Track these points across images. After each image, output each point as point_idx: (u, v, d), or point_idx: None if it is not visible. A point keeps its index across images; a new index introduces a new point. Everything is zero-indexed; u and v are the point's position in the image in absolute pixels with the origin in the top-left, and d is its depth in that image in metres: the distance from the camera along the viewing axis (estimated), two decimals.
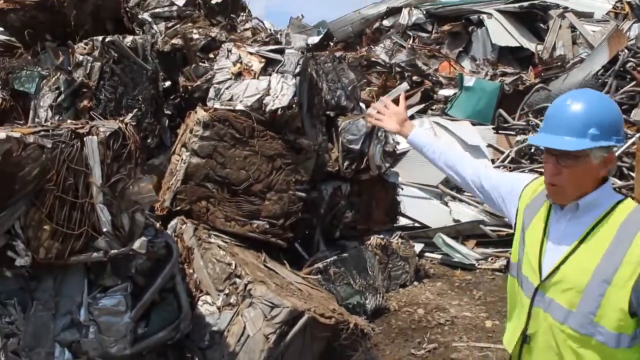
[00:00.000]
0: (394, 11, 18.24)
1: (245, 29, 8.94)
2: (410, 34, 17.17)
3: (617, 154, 7.67)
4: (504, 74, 14.09)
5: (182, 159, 5.41)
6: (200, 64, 7.08)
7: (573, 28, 15.30)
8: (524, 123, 11.40)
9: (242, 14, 9.64)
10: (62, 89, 5.90)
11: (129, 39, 6.26)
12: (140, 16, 7.93)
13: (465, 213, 8.48)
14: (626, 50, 12.09)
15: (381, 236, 6.80)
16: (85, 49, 6.03)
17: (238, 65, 5.74)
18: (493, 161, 10.37)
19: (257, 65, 5.73)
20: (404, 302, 6.57)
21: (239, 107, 5.50)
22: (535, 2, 16.22)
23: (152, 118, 6.33)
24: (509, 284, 2.46)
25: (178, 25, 7.87)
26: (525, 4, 16.18)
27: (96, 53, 6.00)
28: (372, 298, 6.24)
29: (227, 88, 5.66)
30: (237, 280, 4.64)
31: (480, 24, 16.22)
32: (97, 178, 3.65)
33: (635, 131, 9.89)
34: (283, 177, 5.51)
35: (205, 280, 4.79)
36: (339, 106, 6.72)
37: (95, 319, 3.74)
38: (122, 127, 3.83)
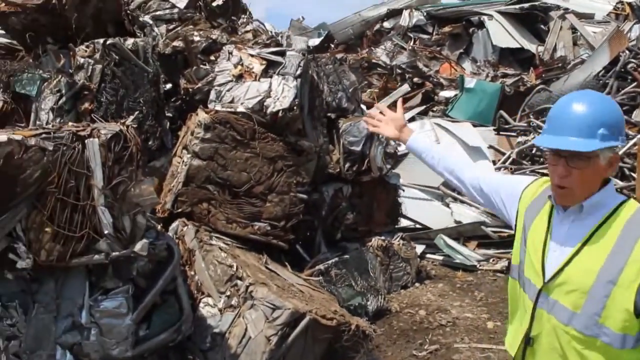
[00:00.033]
0: (395, 13, 18.24)
1: (246, 31, 8.95)
2: (411, 35, 17.15)
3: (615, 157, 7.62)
4: (505, 75, 14.07)
5: (183, 161, 5.41)
6: (201, 66, 7.08)
7: (574, 29, 15.29)
8: (525, 124, 11.39)
9: (242, 16, 9.65)
10: (63, 91, 5.90)
11: (130, 41, 6.27)
12: (141, 19, 7.94)
13: (467, 214, 8.48)
14: (627, 51, 12.09)
15: (382, 237, 6.80)
16: (86, 51, 6.03)
17: (239, 67, 5.74)
18: (494, 162, 10.36)
19: (258, 67, 5.73)
20: (405, 303, 6.57)
21: (240, 109, 5.50)
22: (536, 3, 16.21)
23: (153, 120, 6.33)
24: (510, 286, 2.45)
25: (179, 28, 7.87)
26: (526, 5, 16.17)
27: (97, 56, 6.01)
28: (374, 299, 6.24)
29: (228, 90, 5.66)
30: (239, 282, 4.64)
31: (481, 25, 16.21)
32: (98, 180, 3.65)
33: (636, 132, 9.90)
34: (284, 179, 5.52)
35: (207, 282, 4.79)
36: (340, 108, 6.73)
37: (97, 321, 3.74)
38: (123, 129, 3.83)
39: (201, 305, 4.69)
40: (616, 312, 2.01)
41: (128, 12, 7.58)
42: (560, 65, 13.80)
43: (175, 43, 7.24)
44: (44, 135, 3.53)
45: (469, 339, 5.81)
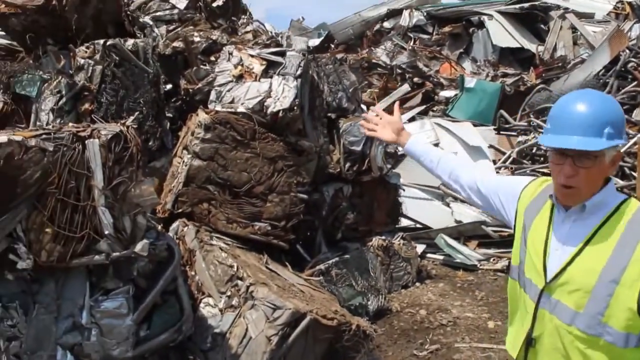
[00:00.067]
0: (395, 13, 18.23)
1: (246, 32, 8.95)
2: (411, 35, 17.15)
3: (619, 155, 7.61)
4: (505, 75, 14.07)
5: (183, 162, 5.42)
6: (202, 66, 7.08)
7: (574, 29, 15.29)
8: (526, 124, 11.39)
9: (243, 16, 9.65)
10: (63, 92, 5.90)
11: (130, 42, 6.26)
12: (141, 19, 7.94)
13: (467, 214, 8.48)
14: (627, 51, 12.08)
15: (383, 237, 6.80)
16: (86, 52, 6.03)
17: (239, 67, 5.75)
18: (494, 162, 10.36)
19: (258, 67, 5.73)
20: (406, 303, 6.57)
21: (240, 109, 5.50)
22: (536, 3, 16.20)
23: (153, 121, 6.33)
24: (510, 287, 2.45)
25: (179, 28, 7.87)
26: (526, 5, 16.16)
27: (97, 56, 6.01)
28: (374, 299, 6.24)
29: (228, 90, 5.66)
30: (239, 282, 4.65)
31: (480, 25, 16.21)
32: (98, 181, 3.66)
33: (636, 131, 9.90)
34: (284, 179, 5.52)
35: (207, 282, 4.79)
36: (340, 108, 6.73)
37: (97, 321, 3.74)
38: (123, 130, 3.84)
39: (202, 305, 4.69)
40: (619, 311, 2.01)
41: (128, 13, 7.58)
42: (560, 64, 13.80)
43: (176, 44, 7.24)
44: (44, 136, 3.53)
45: (470, 338, 5.81)
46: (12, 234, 3.45)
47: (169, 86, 7.17)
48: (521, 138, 10.97)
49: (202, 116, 5.40)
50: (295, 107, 5.54)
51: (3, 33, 7.33)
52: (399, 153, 7.35)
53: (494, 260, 7.94)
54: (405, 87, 13.63)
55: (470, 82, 12.71)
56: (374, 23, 18.42)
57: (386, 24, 18.23)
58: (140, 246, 3.80)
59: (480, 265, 7.79)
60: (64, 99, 5.89)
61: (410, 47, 15.91)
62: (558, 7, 16.43)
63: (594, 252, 2.08)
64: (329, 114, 6.59)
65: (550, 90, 12.03)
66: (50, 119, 5.85)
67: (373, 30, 18.24)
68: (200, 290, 4.78)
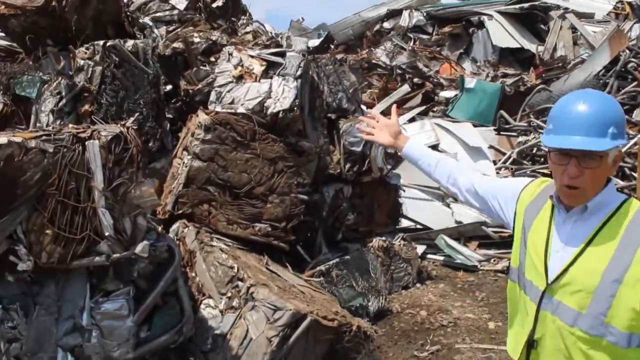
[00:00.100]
0: (394, 13, 18.23)
1: (246, 32, 8.96)
2: (411, 36, 17.15)
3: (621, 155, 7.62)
4: (505, 75, 14.06)
5: (183, 163, 5.41)
6: (202, 67, 7.09)
7: (574, 29, 15.28)
8: (526, 124, 11.39)
9: (242, 17, 9.66)
10: (63, 93, 5.90)
11: (130, 43, 6.26)
12: (141, 20, 7.94)
13: (467, 214, 8.48)
14: (627, 51, 12.08)
15: (383, 238, 6.80)
16: (86, 53, 6.03)
17: (239, 68, 5.74)
18: (495, 162, 10.36)
19: (258, 68, 5.73)
20: (406, 304, 6.57)
21: (241, 110, 5.50)
22: (536, 3, 16.19)
23: (153, 122, 6.32)
24: (510, 289, 2.44)
25: (179, 29, 7.88)
26: (526, 5, 16.16)
27: (97, 57, 6.00)
28: (375, 300, 6.23)
29: (228, 91, 5.66)
30: (240, 283, 4.64)
31: (480, 25, 16.20)
32: (99, 182, 3.65)
33: (637, 131, 9.91)
34: (285, 179, 5.51)
35: (208, 283, 4.79)
36: (340, 108, 6.73)
37: (98, 323, 3.74)
38: (123, 131, 3.84)
39: (202, 306, 4.69)
40: (622, 311, 2.01)
41: (128, 13, 7.58)
42: (560, 65, 13.79)
43: (175, 44, 7.24)
44: (44, 138, 3.53)
45: (470, 339, 5.80)
46: (12, 235, 3.45)
47: (169, 87, 7.18)
48: (521, 138, 10.98)
49: (202, 117, 5.40)
50: (295, 108, 5.54)
51: (3, 34, 7.32)
52: (399, 154, 7.35)
53: (494, 261, 7.93)
54: (405, 88, 13.63)
55: (470, 83, 12.71)
56: (373, 23, 18.42)
57: (386, 25, 18.23)
58: (140, 247, 3.80)
59: (481, 266, 7.79)
60: (64, 100, 5.88)
61: (410, 48, 15.90)
62: (558, 7, 16.43)
63: (596, 253, 2.08)
64: (329, 115, 6.59)
65: (551, 91, 12.03)
66: (50, 120, 5.84)
67: (373, 30, 18.23)
68: (201, 292, 4.78)
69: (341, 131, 6.43)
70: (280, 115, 5.49)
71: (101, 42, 6.06)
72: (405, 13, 17.80)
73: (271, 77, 5.66)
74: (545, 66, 13.96)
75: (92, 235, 3.64)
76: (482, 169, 9.74)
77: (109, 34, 6.75)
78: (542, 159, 10.11)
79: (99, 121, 4.72)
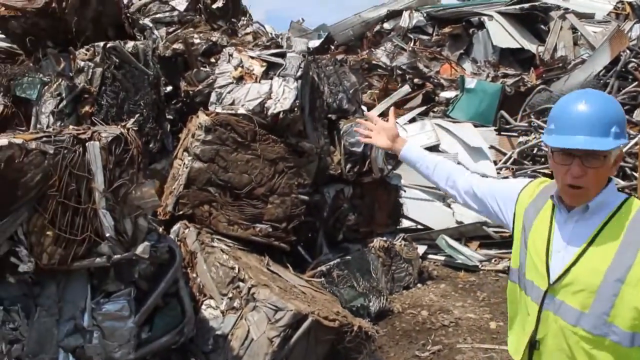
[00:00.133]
0: (395, 14, 18.23)
1: (246, 33, 8.97)
2: (411, 36, 17.15)
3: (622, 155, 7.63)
4: (505, 76, 14.06)
5: (184, 164, 5.41)
6: (202, 68, 7.09)
7: (574, 29, 15.28)
8: (526, 124, 11.39)
9: (243, 18, 9.67)
10: (63, 95, 5.90)
11: (130, 44, 6.26)
12: (141, 22, 7.95)
13: (468, 215, 8.47)
14: (628, 51, 12.08)
15: (384, 238, 6.80)
16: (86, 54, 6.03)
17: (239, 69, 5.75)
18: (495, 162, 10.37)
19: (258, 69, 5.74)
20: (407, 304, 6.56)
21: (241, 111, 5.50)
22: (536, 3, 16.19)
23: (153, 123, 6.32)
24: (510, 290, 2.44)
25: (179, 30, 7.89)
26: (526, 5, 16.15)
27: (97, 59, 6.00)
28: (376, 300, 6.23)
29: (228, 92, 5.67)
30: (241, 284, 4.64)
31: (481, 26, 16.20)
32: (99, 183, 3.65)
33: (637, 131, 9.90)
34: (285, 180, 5.52)
35: (209, 284, 4.79)
36: (341, 109, 6.73)
37: (99, 324, 3.74)
38: (124, 132, 3.83)
39: (203, 307, 4.69)
40: (625, 310, 2.00)
41: (128, 15, 7.59)
42: (560, 65, 13.79)
43: (176, 45, 7.25)
44: (44, 139, 3.53)
45: (472, 339, 5.80)
46: (13, 237, 3.45)
47: (169, 88, 7.18)
48: (522, 139, 10.98)
49: (202, 118, 5.40)
50: (295, 109, 5.54)
51: (3, 36, 7.32)
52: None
53: (495, 261, 7.93)
54: (406, 88, 13.62)
55: (470, 83, 12.71)
56: (374, 24, 18.42)
57: (386, 25, 18.23)
58: (141, 248, 3.80)
59: (482, 266, 7.78)
60: (64, 102, 5.88)
61: (410, 48, 15.90)
62: (558, 7, 16.43)
63: (598, 252, 2.07)
64: (330, 115, 6.59)
65: (551, 91, 12.03)
66: (51, 121, 5.84)
67: (373, 31, 18.23)
68: (202, 292, 4.78)
69: (342, 132, 6.44)
70: (281, 116, 5.49)
71: (101, 44, 6.06)
72: (406, 14, 17.80)
73: (271, 78, 5.66)
74: (546, 66, 13.96)
75: (92, 237, 3.64)
76: (483, 169, 9.74)
77: (109, 36, 6.75)
78: (543, 159, 10.11)
79: (99, 122, 4.71)
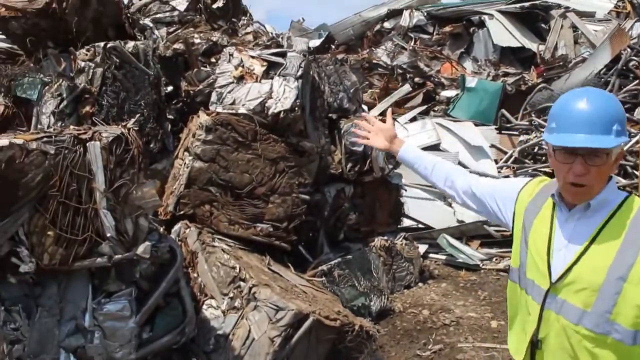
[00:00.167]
0: (395, 13, 18.23)
1: (247, 33, 8.98)
2: (412, 35, 17.14)
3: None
4: (506, 74, 14.06)
5: (185, 163, 5.42)
6: (202, 68, 7.10)
7: (575, 28, 15.26)
8: (527, 123, 11.38)
9: (243, 18, 9.68)
10: (64, 95, 5.90)
11: (130, 44, 6.27)
12: (141, 22, 7.96)
13: (469, 213, 8.45)
14: (628, 49, 12.07)
15: (385, 238, 6.79)
16: (87, 55, 6.03)
17: (240, 69, 5.75)
18: (496, 161, 10.36)
19: (258, 68, 5.74)
20: (408, 303, 6.56)
21: (242, 110, 5.50)
22: (537, 2, 16.18)
23: (154, 123, 6.33)
24: (510, 290, 2.43)
25: (179, 30, 7.89)
26: (527, 4, 16.15)
27: (98, 59, 6.01)
28: (377, 300, 6.23)
29: (229, 92, 5.67)
30: (242, 283, 4.64)
31: (481, 24, 16.19)
32: (100, 183, 3.65)
33: (638, 130, 9.88)
34: (286, 180, 5.51)
35: (210, 284, 4.79)
36: (341, 108, 6.73)
37: (100, 324, 3.74)
38: (124, 132, 3.83)
39: (204, 307, 4.69)
40: (627, 308, 2.00)
41: (128, 15, 7.59)
42: (561, 63, 13.78)
43: (176, 45, 7.25)
44: (45, 139, 3.52)
45: (473, 338, 5.80)
46: (14, 237, 3.45)
47: (169, 88, 7.19)
48: (523, 137, 10.97)
49: (203, 118, 5.40)
50: (296, 108, 5.54)
51: (3, 36, 7.33)
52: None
53: (496, 259, 7.93)
54: (406, 87, 13.63)
55: (471, 82, 12.71)
56: (374, 23, 18.41)
57: (386, 24, 18.22)
58: (142, 248, 3.80)
59: (483, 264, 7.78)
60: (64, 102, 5.89)
61: (410, 47, 15.91)
62: (559, 6, 16.41)
63: (600, 251, 2.07)
64: (330, 115, 6.59)
65: (552, 90, 12.02)
66: (51, 122, 5.85)
67: (373, 30, 18.23)
68: (203, 292, 4.78)
69: (342, 131, 6.43)
70: (282, 115, 5.49)
71: (102, 44, 6.06)
72: (406, 13, 17.79)
73: (272, 78, 5.66)
74: (546, 65, 13.95)
75: (93, 237, 3.64)
76: (484, 168, 9.74)
77: (110, 36, 6.76)
78: (544, 158, 10.10)
79: (100, 122, 4.72)
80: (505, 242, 8.01)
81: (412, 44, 16.52)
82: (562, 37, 15.12)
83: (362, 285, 6.14)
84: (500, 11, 16.14)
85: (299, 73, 5.66)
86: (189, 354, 4.42)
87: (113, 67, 6.04)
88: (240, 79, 5.70)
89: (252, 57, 5.87)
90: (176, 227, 5.27)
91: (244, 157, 5.39)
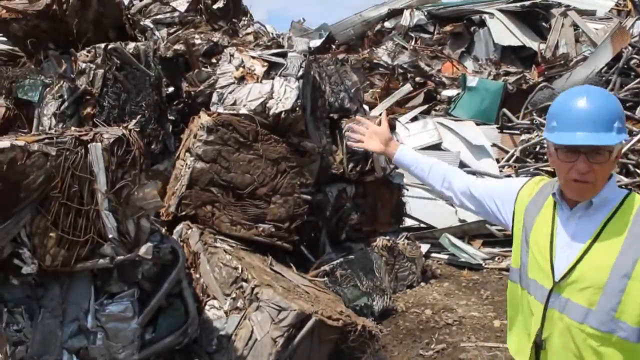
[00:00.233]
0: (395, 13, 18.24)
1: (247, 33, 8.98)
2: (412, 35, 17.16)
3: (622, 150, 7.64)
4: (507, 74, 14.06)
5: (186, 164, 5.41)
6: (203, 69, 7.10)
7: (575, 26, 15.26)
8: (528, 122, 11.39)
9: (243, 18, 9.68)
10: (65, 96, 5.91)
11: (131, 45, 6.27)
12: (142, 23, 7.96)
13: (471, 213, 8.45)
14: (630, 47, 12.06)
15: (387, 237, 6.79)
16: (87, 56, 6.04)
17: (241, 69, 5.75)
18: (498, 160, 10.36)
19: (259, 69, 5.73)
20: (411, 303, 6.56)
21: (243, 111, 5.50)
22: (537, 1, 16.18)
23: (155, 124, 6.33)
24: (510, 290, 2.43)
25: (180, 31, 7.90)
26: (527, 3, 16.16)
27: (99, 60, 6.01)
28: (380, 299, 6.23)
29: (230, 92, 5.66)
30: (244, 284, 4.64)
31: (482, 24, 16.20)
32: (101, 185, 3.65)
33: None
34: (288, 180, 5.51)
35: (212, 284, 4.78)
36: (343, 108, 6.73)
37: (103, 325, 3.74)
38: (126, 133, 3.83)
39: (207, 307, 4.68)
40: (632, 306, 2.00)
41: (129, 16, 7.59)
42: (562, 62, 13.78)
43: (177, 46, 7.26)
44: (46, 141, 3.53)
45: (476, 337, 5.79)
46: (16, 238, 3.45)
47: (170, 89, 7.19)
48: (524, 136, 10.96)
49: (204, 118, 5.40)
50: (297, 108, 5.53)
51: (4, 38, 7.34)
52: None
53: (498, 259, 7.93)
54: (407, 87, 13.63)
55: (472, 81, 12.71)
56: (374, 23, 18.43)
57: (387, 24, 18.24)
58: (144, 249, 3.80)
59: (485, 264, 7.78)
60: (66, 104, 5.89)
61: (411, 47, 15.92)
62: (559, 4, 16.42)
63: (603, 248, 2.07)
64: (331, 115, 6.59)
65: (553, 88, 12.02)
66: (53, 123, 5.85)
67: (374, 30, 18.25)
68: (205, 293, 4.78)
69: (343, 131, 6.43)
70: (283, 115, 5.49)
71: (102, 45, 6.07)
72: (407, 12, 17.81)
73: (273, 78, 5.66)
74: (548, 64, 13.95)
75: (95, 238, 3.64)
76: (485, 167, 9.74)
77: (110, 37, 6.76)
78: (545, 157, 10.07)
79: (101, 124, 4.72)
80: (508, 241, 7.98)
81: (413, 43, 16.54)
82: (563, 35, 15.12)
83: (365, 285, 6.13)
84: (501, 10, 16.15)
85: (300, 73, 5.66)
86: (191, 355, 4.42)
87: (114, 69, 6.05)
88: (241, 80, 5.70)
89: (253, 57, 5.87)
90: (178, 227, 5.27)
91: (245, 158, 5.39)
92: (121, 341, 3.77)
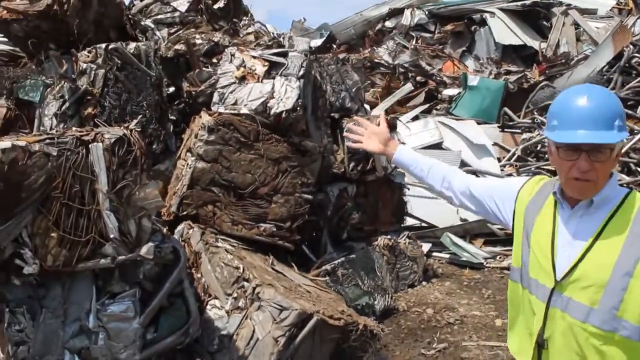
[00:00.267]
0: (396, 12, 18.23)
1: (248, 33, 8.98)
2: (413, 34, 17.15)
3: (624, 149, 7.68)
4: (508, 73, 14.06)
5: (187, 164, 5.42)
6: (204, 68, 7.10)
7: (577, 25, 15.25)
8: (530, 121, 11.39)
9: (244, 18, 9.68)
10: (66, 97, 5.91)
11: (132, 45, 6.27)
12: (142, 23, 7.96)
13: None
14: (631, 46, 12.05)
15: (388, 237, 6.79)
16: (88, 56, 6.04)
17: (241, 69, 5.75)
18: (499, 159, 10.35)
19: (260, 68, 5.74)
20: (412, 302, 6.56)
21: (244, 110, 5.50)
22: None
23: (156, 124, 6.34)
24: (510, 290, 2.42)
25: (181, 31, 7.90)
26: (528, 2, 16.14)
27: (100, 60, 6.01)
28: (381, 299, 6.23)
29: (231, 92, 5.66)
30: (245, 283, 4.64)
31: (483, 23, 16.19)
32: (103, 185, 3.65)
33: None
34: (289, 179, 5.51)
35: (214, 284, 4.78)
36: (344, 108, 6.73)
37: (104, 325, 3.74)
38: (127, 133, 3.83)
39: (208, 307, 4.68)
40: (634, 304, 2.00)
41: (129, 16, 7.59)
42: (563, 61, 13.77)
43: (177, 46, 7.26)
44: (47, 141, 3.53)
45: (477, 336, 5.79)
46: (17, 239, 3.45)
47: (171, 89, 7.19)
48: (525, 135, 10.96)
49: (205, 118, 5.40)
50: (298, 108, 5.53)
51: (5, 39, 7.34)
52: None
53: (500, 258, 7.93)
54: (408, 86, 13.63)
55: (473, 80, 12.71)
56: (375, 22, 18.41)
57: (388, 23, 18.23)
58: (145, 249, 3.80)
59: (487, 263, 7.78)
60: (67, 104, 5.90)
61: (412, 46, 15.91)
62: (560, 3, 16.41)
63: (605, 247, 2.06)
64: (332, 114, 6.59)
65: (554, 87, 12.02)
66: (54, 123, 5.85)
67: (375, 29, 18.23)
68: (207, 292, 4.78)
69: (345, 130, 6.43)
70: (284, 115, 5.49)
71: (103, 45, 6.07)
72: (407, 12, 17.80)
73: (274, 78, 5.66)
74: (549, 63, 13.94)
75: (97, 238, 3.64)
76: (487, 166, 9.73)
77: (111, 37, 6.76)
78: (547, 156, 10.07)
79: (102, 124, 4.72)
80: (509, 240, 7.88)
81: (414, 42, 16.53)
82: (564, 34, 15.11)
83: (366, 285, 6.13)
84: (501, 9, 16.14)
85: (301, 73, 5.66)
86: (193, 355, 4.42)
87: (115, 69, 6.05)
88: (242, 79, 5.70)
89: (254, 57, 5.87)
90: (179, 227, 5.27)
91: (246, 157, 5.39)
92: (123, 341, 3.77)
